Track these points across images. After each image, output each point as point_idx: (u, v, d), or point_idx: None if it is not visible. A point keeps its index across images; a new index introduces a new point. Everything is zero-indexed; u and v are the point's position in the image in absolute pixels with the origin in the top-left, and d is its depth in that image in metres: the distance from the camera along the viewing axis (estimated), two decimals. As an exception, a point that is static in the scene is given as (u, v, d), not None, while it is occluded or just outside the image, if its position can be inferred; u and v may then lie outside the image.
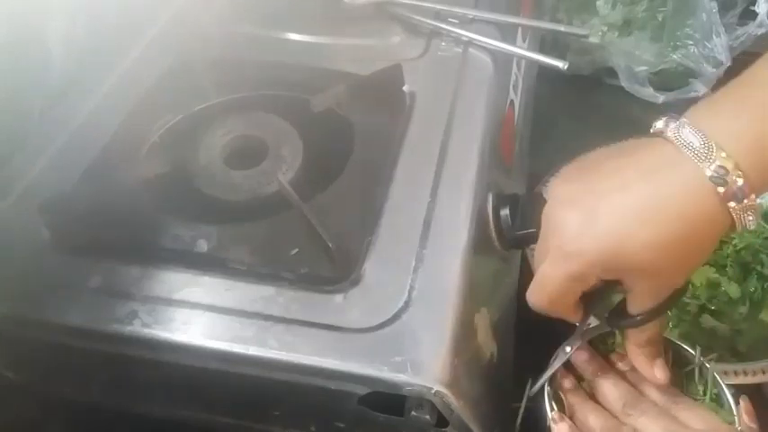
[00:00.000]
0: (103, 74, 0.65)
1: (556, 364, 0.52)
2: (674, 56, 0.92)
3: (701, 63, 0.91)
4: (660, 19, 0.93)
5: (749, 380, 0.60)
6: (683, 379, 0.52)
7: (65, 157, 0.57)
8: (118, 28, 0.68)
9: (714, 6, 0.90)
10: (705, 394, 0.51)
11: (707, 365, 0.51)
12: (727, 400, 0.50)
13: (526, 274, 0.66)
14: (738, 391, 0.50)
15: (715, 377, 0.51)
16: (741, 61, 0.91)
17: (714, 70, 0.91)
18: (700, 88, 0.92)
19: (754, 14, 0.91)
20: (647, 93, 0.94)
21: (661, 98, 0.93)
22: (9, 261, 0.50)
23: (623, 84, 0.94)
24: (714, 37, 0.90)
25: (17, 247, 0.51)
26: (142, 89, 0.63)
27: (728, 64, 0.91)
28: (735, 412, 0.48)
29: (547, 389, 0.51)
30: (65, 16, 0.63)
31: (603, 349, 0.53)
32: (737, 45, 0.93)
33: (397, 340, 0.45)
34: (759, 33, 0.91)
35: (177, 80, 0.65)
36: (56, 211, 0.51)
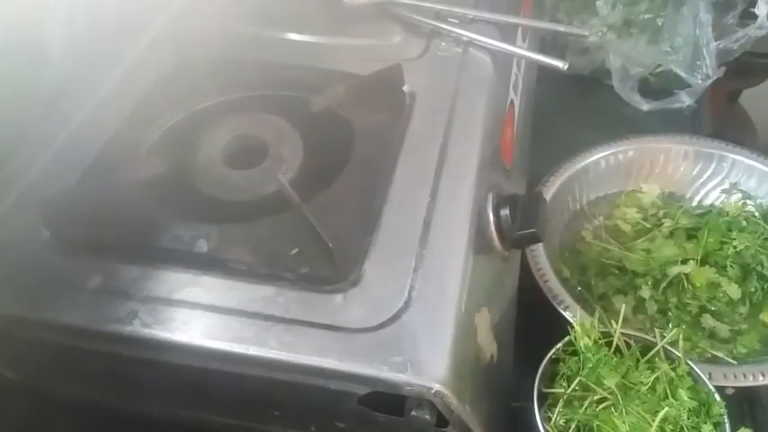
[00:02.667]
0: (103, 74, 0.65)
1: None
2: (668, 60, 0.92)
3: (691, 73, 0.92)
4: (660, 23, 0.93)
5: (749, 383, 0.60)
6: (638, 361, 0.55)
7: (65, 156, 0.57)
8: (118, 28, 0.68)
9: (709, 19, 0.90)
10: (675, 371, 0.54)
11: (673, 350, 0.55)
12: (700, 375, 0.54)
13: (526, 274, 0.66)
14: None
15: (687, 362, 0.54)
16: (742, 62, 0.91)
17: (701, 83, 0.91)
18: (685, 99, 0.93)
19: (754, 15, 0.91)
20: (635, 99, 0.95)
21: (646, 106, 0.95)
22: (9, 261, 0.50)
23: (615, 87, 0.96)
24: (704, 51, 0.91)
25: (17, 247, 0.51)
26: (142, 89, 0.63)
27: (716, 77, 0.91)
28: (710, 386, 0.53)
29: (536, 390, 0.52)
30: (65, 16, 0.63)
31: None
32: (737, 47, 0.93)
33: (397, 340, 0.45)
34: (759, 35, 0.91)
35: (177, 80, 0.65)
36: (56, 211, 0.51)
